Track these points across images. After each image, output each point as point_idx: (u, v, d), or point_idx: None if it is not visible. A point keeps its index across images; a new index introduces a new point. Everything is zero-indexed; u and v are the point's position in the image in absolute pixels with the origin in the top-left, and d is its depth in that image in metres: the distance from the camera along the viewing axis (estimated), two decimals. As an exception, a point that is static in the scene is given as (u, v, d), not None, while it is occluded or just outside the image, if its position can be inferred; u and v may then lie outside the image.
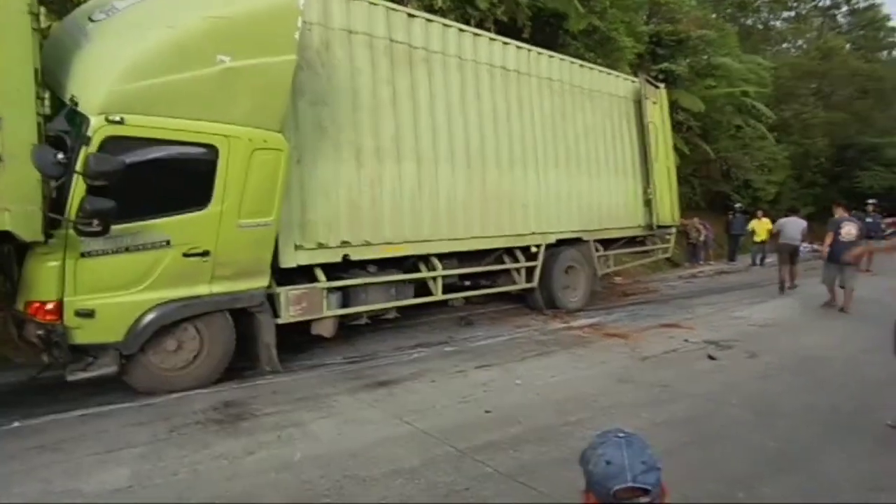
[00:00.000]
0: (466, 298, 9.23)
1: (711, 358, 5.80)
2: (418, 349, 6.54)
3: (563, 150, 8.81)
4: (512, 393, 4.95)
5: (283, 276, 5.70)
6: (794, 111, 27.15)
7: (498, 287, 8.24)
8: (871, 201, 13.87)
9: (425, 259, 7.10)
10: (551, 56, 8.79)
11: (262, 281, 5.28)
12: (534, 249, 8.30)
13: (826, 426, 4.13)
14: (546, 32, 11.51)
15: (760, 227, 14.99)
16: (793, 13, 34.36)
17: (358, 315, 6.47)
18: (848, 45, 32.40)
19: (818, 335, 6.92)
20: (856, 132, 27.79)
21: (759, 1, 30.98)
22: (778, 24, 34.00)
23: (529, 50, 8.42)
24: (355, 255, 6.16)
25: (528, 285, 8.32)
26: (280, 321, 5.57)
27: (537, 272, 8.36)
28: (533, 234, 8.25)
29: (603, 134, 9.60)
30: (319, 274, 5.93)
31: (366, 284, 6.36)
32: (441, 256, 7.29)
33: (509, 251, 8.19)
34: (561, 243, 8.74)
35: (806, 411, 4.42)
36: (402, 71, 6.69)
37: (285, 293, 5.60)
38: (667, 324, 7.55)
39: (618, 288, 11.61)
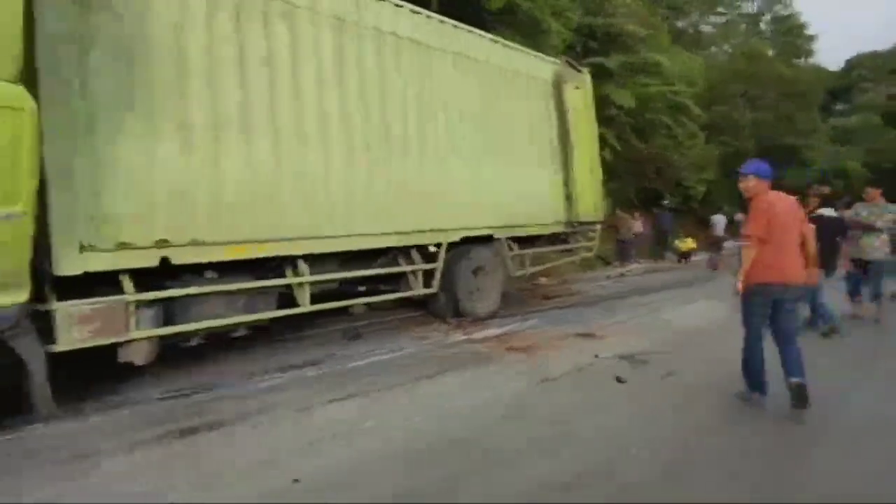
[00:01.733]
0: (370, 305, 7.91)
1: (619, 381, 4.58)
2: (276, 374, 5.07)
3: (472, 136, 7.49)
4: (354, 443, 3.57)
5: (74, 287, 4.15)
6: (723, 112, 27.01)
7: (393, 293, 6.86)
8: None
9: (293, 262, 5.66)
10: (456, 27, 7.45)
11: (17, 295, 3.70)
12: (433, 249, 6.95)
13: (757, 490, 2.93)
14: (459, 7, 10.18)
15: (684, 245, 14.50)
16: (721, 18, 34.51)
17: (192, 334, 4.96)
18: (771, 52, 32.86)
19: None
20: (780, 133, 27.95)
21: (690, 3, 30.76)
22: (707, 28, 34.02)
23: (429, 16, 7.07)
24: (179, 258, 4.63)
25: (427, 291, 6.98)
26: (59, 348, 4.01)
27: (437, 275, 7.02)
28: (432, 231, 6.90)
29: (519, 120, 8.34)
30: (126, 283, 4.39)
31: (197, 295, 4.85)
32: (315, 259, 5.87)
33: (405, 251, 6.84)
34: (467, 242, 7.44)
35: (731, 461, 3.23)
36: (253, 27, 5.19)
37: (65, 310, 4.02)
38: (582, 333, 6.34)
39: (540, 290, 10.42)
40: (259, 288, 5.36)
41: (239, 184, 5.05)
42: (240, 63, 5.09)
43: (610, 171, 18.40)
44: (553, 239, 9.35)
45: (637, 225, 16.22)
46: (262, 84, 5.24)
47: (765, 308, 3.98)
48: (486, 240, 7.77)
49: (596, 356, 5.34)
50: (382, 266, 6.70)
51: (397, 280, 6.95)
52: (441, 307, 7.49)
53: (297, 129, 5.51)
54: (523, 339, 6.18)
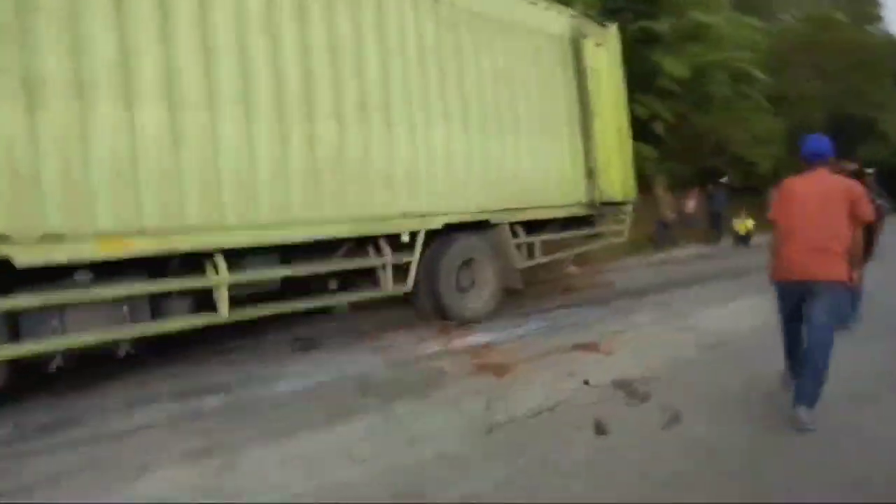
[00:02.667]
0: (353, 304, 6.71)
1: (600, 431, 3.10)
2: (151, 407, 3.87)
3: (457, 100, 6.07)
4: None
5: None
6: (789, 82, 23.89)
7: (365, 292, 5.58)
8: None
9: (210, 258, 4.50)
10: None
11: None
12: (405, 239, 5.62)
13: None
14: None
15: (742, 227, 12.28)
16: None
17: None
18: (842, 17, 28.93)
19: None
20: (851, 105, 24.52)
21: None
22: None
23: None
24: (25, 258, 3.55)
25: (399, 290, 5.66)
26: None
27: (413, 271, 5.69)
28: (403, 216, 5.55)
29: (524, 81, 6.80)
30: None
31: (58, 306, 3.75)
32: (246, 253, 4.70)
33: (371, 242, 5.55)
34: (454, 229, 6.06)
35: None
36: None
37: None
38: (582, 344, 4.85)
39: (563, 281, 8.86)
40: (156, 293, 4.24)
41: (114, 159, 3.90)
42: (117, 2, 3.93)
43: (663, 149, 16.43)
44: (576, 223, 7.80)
45: (689, 205, 14.19)
46: (150, 29, 4.06)
47: (789, 311, 3.50)
48: (482, 226, 6.35)
49: (585, 382, 3.87)
50: (343, 260, 5.48)
51: (370, 276, 5.70)
52: (423, 308, 6.19)
53: (207, 93, 4.30)
54: (505, 354, 4.77)
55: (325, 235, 5.00)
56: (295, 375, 4.49)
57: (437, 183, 5.83)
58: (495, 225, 6.45)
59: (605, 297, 7.41)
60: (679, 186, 15.91)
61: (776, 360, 3.73)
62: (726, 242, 12.98)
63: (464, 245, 6.12)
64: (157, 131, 4.09)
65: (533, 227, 7.10)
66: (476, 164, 6.21)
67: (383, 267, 5.56)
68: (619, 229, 8.35)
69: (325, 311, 6.59)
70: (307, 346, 5.38)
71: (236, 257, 4.72)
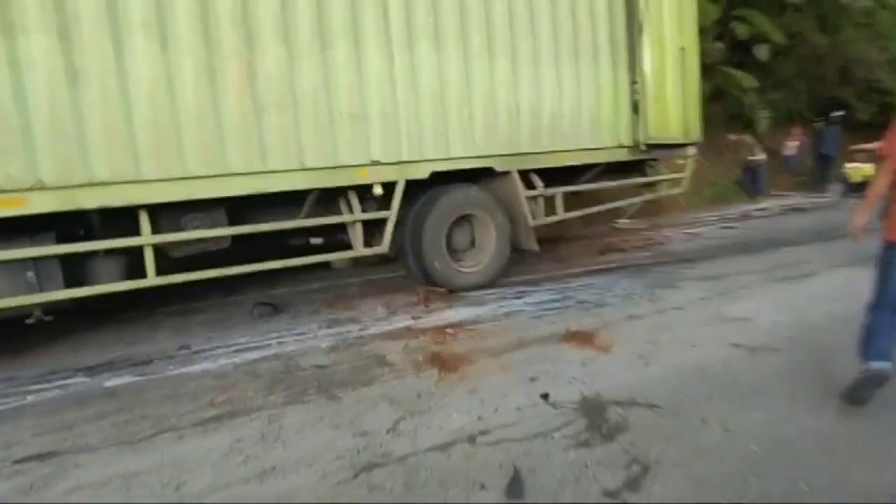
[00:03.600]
0: (356, 259, 6.04)
1: (512, 492, 2.12)
2: (38, 383, 3.46)
3: (452, 16, 4.91)
4: None
5: None
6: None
7: (319, 256, 4.81)
8: None
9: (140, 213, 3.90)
10: None
11: None
12: (377, 192, 4.71)
13: None
14: None
15: (856, 173, 9.94)
16: None
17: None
18: None
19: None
20: None
21: None
22: None
23: None
24: None
25: (371, 251, 4.83)
26: None
27: (388, 229, 4.81)
28: (375, 164, 4.64)
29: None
30: None
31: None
32: (180, 208, 4.06)
33: (343, 194, 4.72)
34: (448, 178, 5.06)
35: None
36: None
37: None
38: (574, 333, 3.81)
39: (603, 239, 7.60)
40: (69, 254, 3.72)
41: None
42: None
43: (772, 76, 13.86)
44: (622, 169, 6.50)
45: (790, 145, 11.93)
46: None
47: None
48: (484, 174, 5.30)
49: (543, 397, 2.88)
50: (305, 218, 4.71)
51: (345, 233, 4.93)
52: (411, 272, 5.35)
53: (102, 15, 3.54)
54: (476, 339, 3.86)
55: (269, 189, 4.23)
56: (226, 351, 3.89)
57: (421, 122, 4.81)
58: (503, 173, 5.36)
59: (647, 262, 6.14)
60: (784, 123, 13.48)
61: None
62: (835, 192, 10.77)
63: (457, 198, 5.11)
64: (47, 65, 3.43)
65: (560, 174, 5.93)
66: (477, 99, 5.09)
67: (353, 224, 4.74)
68: (678, 177, 6.89)
69: (325, 266, 5.97)
70: (265, 312, 4.76)
71: (173, 213, 4.11)
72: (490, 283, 5.33)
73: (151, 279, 3.95)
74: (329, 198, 4.72)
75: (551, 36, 5.50)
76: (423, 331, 4.10)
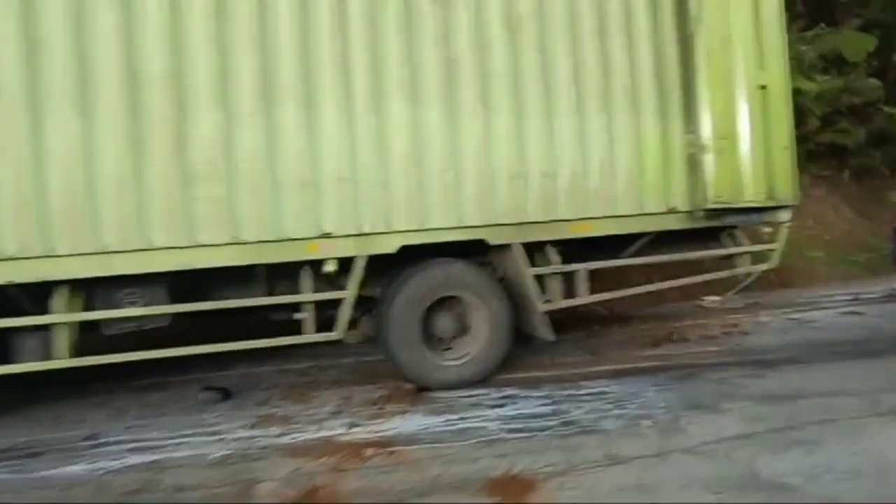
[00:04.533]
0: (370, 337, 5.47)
1: None
2: None
3: (430, 63, 4.24)
4: None
5: None
6: None
7: (268, 340, 4.22)
8: None
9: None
10: None
11: None
12: (328, 269, 4.06)
13: None
14: None
15: None
16: None
17: None
18: None
19: None
20: None
21: None
22: None
23: None
24: None
25: (321, 336, 4.14)
26: None
27: (343, 312, 4.11)
28: (326, 237, 4.02)
29: (564, 21, 4.56)
30: None
31: None
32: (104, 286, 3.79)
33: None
34: (429, 252, 4.28)
35: None
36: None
37: None
38: (509, 481, 2.75)
39: (670, 324, 6.11)
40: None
41: None
42: None
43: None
44: (686, 238, 5.22)
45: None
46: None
47: None
48: (476, 248, 4.42)
49: None
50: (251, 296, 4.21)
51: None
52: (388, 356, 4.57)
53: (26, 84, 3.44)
54: (379, 472, 2.96)
55: (197, 265, 3.79)
56: (124, 449, 3.43)
57: (390, 189, 4.12)
58: (497, 247, 4.44)
59: (706, 361, 4.69)
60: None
61: None
62: None
63: (435, 276, 4.27)
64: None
65: (606, 246, 4.86)
66: (466, 160, 4.29)
67: (300, 308, 4.13)
68: (765, 249, 5.34)
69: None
70: (211, 399, 4.27)
71: (109, 287, 3.85)
72: (480, 380, 4.35)
73: (65, 360, 3.67)
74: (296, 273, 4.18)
75: (570, 81, 4.55)
76: (342, 447, 3.30)
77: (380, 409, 3.92)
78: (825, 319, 6.00)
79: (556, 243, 4.71)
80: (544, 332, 4.67)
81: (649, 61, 4.78)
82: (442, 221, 4.24)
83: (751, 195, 4.92)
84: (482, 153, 4.32)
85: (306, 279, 4.10)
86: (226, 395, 4.33)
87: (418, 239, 4.18)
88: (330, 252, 4.02)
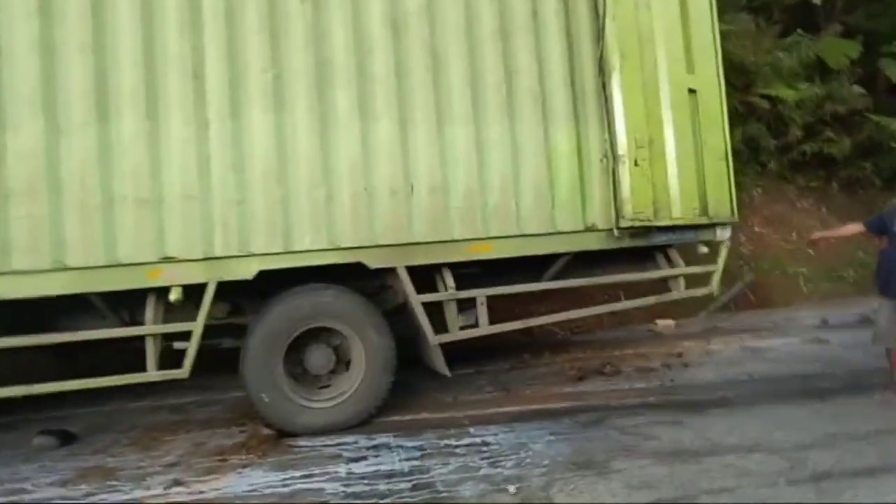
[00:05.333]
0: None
1: None
2: None
3: (298, 64, 3.76)
4: None
5: None
6: None
7: (113, 378, 3.71)
8: None
9: None
10: None
11: None
12: (173, 297, 3.56)
13: None
14: None
15: None
16: None
17: None
18: None
19: None
20: None
21: None
22: None
23: None
24: None
25: (162, 375, 3.63)
26: None
27: (191, 347, 3.60)
28: (168, 261, 3.53)
29: (459, 19, 4.07)
30: None
31: None
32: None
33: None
34: (299, 278, 3.76)
35: None
36: None
37: None
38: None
39: (607, 352, 5.49)
40: None
41: None
42: None
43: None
44: (615, 258, 4.67)
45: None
46: None
47: None
48: (353, 272, 3.89)
49: None
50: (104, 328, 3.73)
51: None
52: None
53: None
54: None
55: (13, 295, 3.32)
56: None
57: (248, 207, 3.63)
58: (378, 270, 3.91)
59: (627, 402, 4.09)
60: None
61: None
62: None
63: (300, 306, 3.74)
64: None
65: (526, 268, 4.33)
66: (340, 174, 3.79)
67: (151, 339, 3.63)
68: (698, 272, 4.75)
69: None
70: (47, 444, 3.75)
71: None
72: (356, 424, 3.80)
73: None
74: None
75: (465, 85, 4.05)
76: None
77: (222, 460, 3.39)
78: (784, 348, 5.35)
79: (473, 266, 4.20)
80: (440, 366, 4.12)
81: (561, 63, 4.27)
82: (311, 243, 3.73)
83: (678, 212, 4.35)
84: (359, 166, 3.82)
85: (150, 308, 3.59)
86: (66, 438, 3.82)
87: (280, 263, 3.68)
88: (175, 279, 3.53)
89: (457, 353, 4.42)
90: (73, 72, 3.40)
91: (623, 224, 4.14)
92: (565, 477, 2.93)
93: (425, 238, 3.95)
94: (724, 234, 4.64)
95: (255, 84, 3.68)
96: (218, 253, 3.58)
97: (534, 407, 4.10)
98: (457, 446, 3.43)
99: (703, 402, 3.98)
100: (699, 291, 4.73)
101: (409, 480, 3.00)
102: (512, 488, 2.84)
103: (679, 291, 4.70)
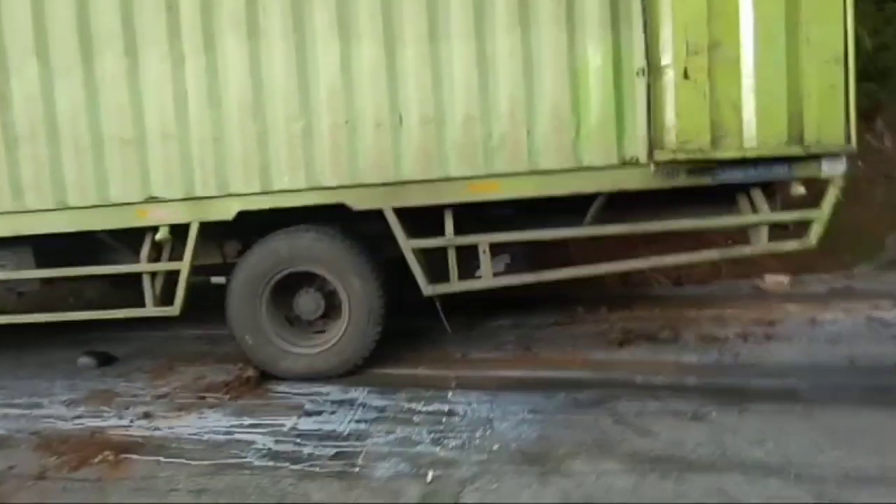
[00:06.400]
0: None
1: None
2: None
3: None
4: None
5: None
6: None
7: (115, 312, 3.93)
8: None
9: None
10: None
11: None
12: (160, 237, 3.57)
13: None
14: None
15: None
16: None
17: None
18: None
19: None
20: None
21: None
22: None
23: None
24: None
25: (157, 311, 3.73)
26: None
27: (181, 284, 3.64)
28: (153, 201, 3.54)
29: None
30: None
31: None
32: None
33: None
34: (283, 219, 3.58)
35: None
36: None
37: None
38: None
39: (696, 315, 4.48)
40: None
41: None
42: None
43: None
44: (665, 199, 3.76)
45: None
46: None
47: None
48: (339, 213, 3.58)
49: None
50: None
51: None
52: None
53: None
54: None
55: (25, 231, 3.64)
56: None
57: (225, 144, 3.48)
58: (371, 212, 3.53)
59: (634, 386, 3.30)
60: None
61: None
62: None
63: (278, 250, 3.55)
64: None
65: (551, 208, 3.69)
66: (318, 105, 3.44)
67: (147, 276, 3.77)
68: (793, 219, 3.55)
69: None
70: (88, 365, 4.18)
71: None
72: (342, 373, 3.62)
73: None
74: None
75: (471, -5, 3.32)
76: (86, 445, 2.93)
77: (200, 398, 3.46)
78: (865, 330, 3.91)
79: (506, 207, 3.66)
80: (443, 320, 3.72)
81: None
82: (290, 182, 3.48)
83: (754, 140, 3.22)
84: (339, 95, 3.41)
85: (147, 247, 3.70)
86: (107, 360, 4.23)
87: (259, 203, 3.51)
88: (161, 219, 3.57)
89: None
90: (59, 13, 3.43)
91: (660, 157, 3.18)
92: (499, 471, 2.42)
93: (416, 176, 3.45)
94: (834, 169, 3.35)
95: (227, 10, 3.40)
96: (198, 193, 3.52)
97: (542, 374, 3.52)
98: (418, 412, 3.07)
99: (756, 393, 3.05)
100: (787, 246, 3.56)
101: (338, 447, 2.75)
102: (429, 476, 2.43)
103: (761, 244, 3.59)
